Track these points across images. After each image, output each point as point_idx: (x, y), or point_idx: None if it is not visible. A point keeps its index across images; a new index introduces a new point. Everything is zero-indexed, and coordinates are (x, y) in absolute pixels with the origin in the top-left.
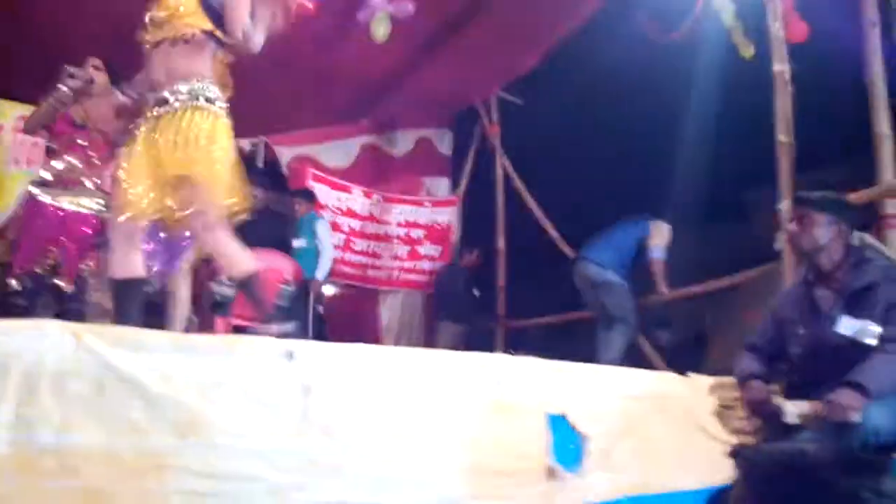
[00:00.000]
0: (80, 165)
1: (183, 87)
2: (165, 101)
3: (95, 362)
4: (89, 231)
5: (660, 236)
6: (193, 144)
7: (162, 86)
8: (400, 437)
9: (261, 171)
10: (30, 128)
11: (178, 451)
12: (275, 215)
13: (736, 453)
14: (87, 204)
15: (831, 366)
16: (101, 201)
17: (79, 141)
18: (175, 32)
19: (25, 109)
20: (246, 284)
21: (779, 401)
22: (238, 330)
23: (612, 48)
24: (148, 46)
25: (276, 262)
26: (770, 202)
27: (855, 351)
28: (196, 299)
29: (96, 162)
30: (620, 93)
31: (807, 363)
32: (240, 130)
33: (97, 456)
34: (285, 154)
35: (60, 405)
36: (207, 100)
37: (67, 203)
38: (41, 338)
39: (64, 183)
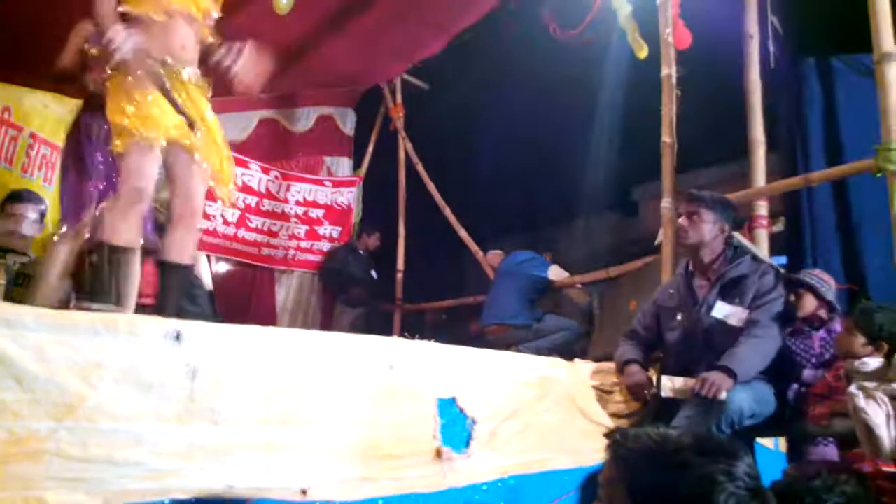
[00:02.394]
0: None
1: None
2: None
3: None
4: None
5: (558, 276)
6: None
7: (179, 54)
8: (291, 421)
9: None
10: None
11: (54, 435)
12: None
13: (608, 436)
14: None
15: (702, 350)
16: None
17: None
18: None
19: None
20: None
21: (659, 378)
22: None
23: (518, 40)
24: (162, 13)
25: None
26: (655, 198)
27: (724, 336)
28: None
29: None
30: (524, 84)
31: (681, 348)
32: None
33: None
34: None
35: None
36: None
37: None
38: None
39: None
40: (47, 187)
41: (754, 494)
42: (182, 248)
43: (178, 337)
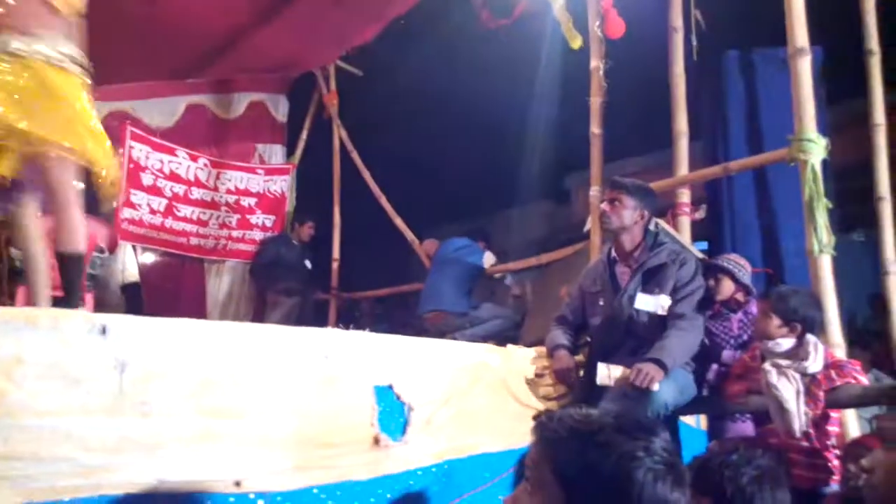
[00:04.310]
0: None
1: None
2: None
3: None
4: None
5: (490, 261)
6: None
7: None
8: (222, 414)
9: None
10: None
11: None
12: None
13: (536, 418)
14: None
15: (624, 336)
16: None
17: None
18: None
19: None
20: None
21: (588, 363)
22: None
23: (452, 27)
24: None
25: (89, 226)
26: (587, 187)
27: (645, 323)
28: None
29: None
30: (459, 72)
31: (603, 333)
32: None
33: None
34: (100, 109)
35: None
36: None
37: None
38: None
39: None
40: None
41: (670, 468)
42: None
43: (103, 331)
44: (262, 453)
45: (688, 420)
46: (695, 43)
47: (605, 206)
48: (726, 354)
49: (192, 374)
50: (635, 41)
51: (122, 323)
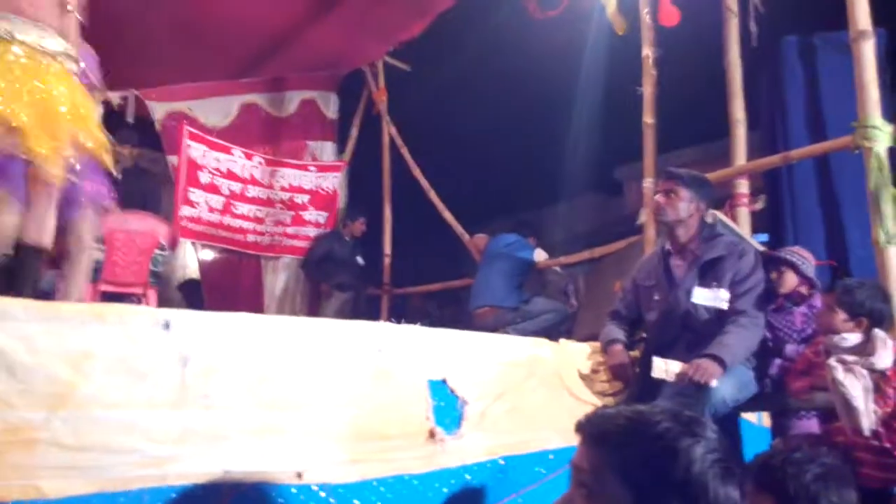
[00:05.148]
0: None
1: None
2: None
3: None
4: None
5: (541, 257)
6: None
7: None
8: (281, 406)
9: (130, 127)
10: None
11: (48, 425)
12: (143, 173)
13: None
14: None
15: (681, 330)
16: None
17: None
18: None
19: None
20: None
21: (643, 358)
22: (108, 297)
23: (499, 19)
24: None
25: (150, 225)
26: (640, 178)
27: (703, 318)
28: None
29: None
30: (506, 64)
31: (659, 327)
32: (108, 83)
33: None
34: (158, 110)
35: None
36: None
37: None
38: None
39: None
40: None
41: (728, 465)
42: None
43: (167, 326)
44: (321, 445)
45: (749, 417)
46: (752, 28)
47: (659, 197)
48: (789, 349)
49: (252, 368)
50: (688, 27)
51: (185, 318)
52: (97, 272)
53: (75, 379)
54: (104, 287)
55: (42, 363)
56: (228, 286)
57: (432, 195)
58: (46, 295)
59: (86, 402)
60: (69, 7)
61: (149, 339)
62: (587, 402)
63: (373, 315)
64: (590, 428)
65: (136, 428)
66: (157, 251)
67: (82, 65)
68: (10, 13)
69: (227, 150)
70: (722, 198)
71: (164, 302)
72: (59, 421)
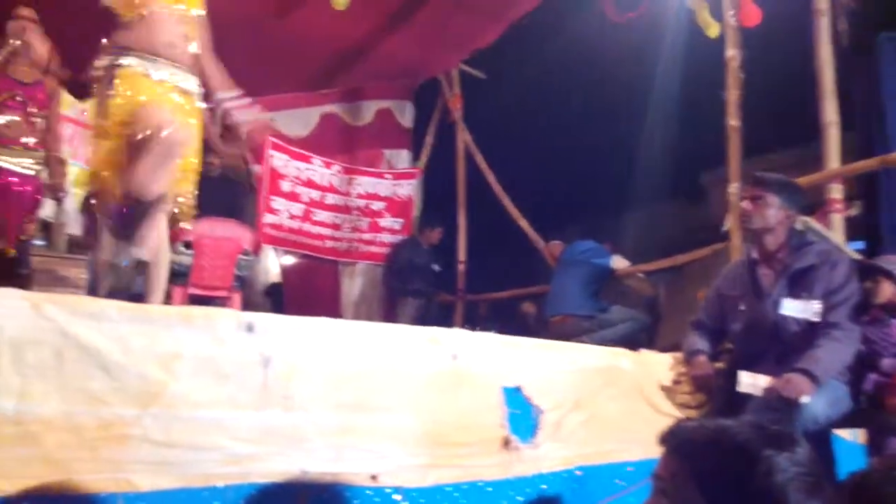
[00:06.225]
0: (20, 122)
1: None
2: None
3: (54, 331)
4: (31, 192)
5: (620, 265)
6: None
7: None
8: (359, 409)
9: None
10: None
11: (139, 421)
12: (229, 182)
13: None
14: (29, 164)
15: (769, 342)
16: (35, 161)
17: (19, 98)
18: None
19: None
20: None
21: (729, 369)
22: (196, 300)
23: (575, 25)
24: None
25: (235, 231)
26: (725, 184)
27: (793, 329)
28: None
29: (36, 120)
30: (582, 70)
31: (746, 339)
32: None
33: (57, 425)
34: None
35: (19, 373)
36: None
37: (9, 163)
38: None
39: (4, 141)
40: None
41: (816, 481)
42: None
43: (250, 328)
44: (396, 449)
45: (843, 434)
46: (842, 26)
47: (746, 204)
48: (886, 363)
49: (330, 371)
50: (773, 27)
51: (267, 321)
52: (186, 276)
53: (165, 378)
54: (192, 290)
55: (134, 363)
56: (307, 291)
57: (507, 202)
58: (139, 298)
59: (175, 401)
60: (197, 46)
61: (233, 341)
62: (668, 414)
63: (448, 322)
64: (671, 437)
65: (221, 426)
66: (241, 256)
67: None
68: (148, 53)
69: (307, 160)
70: (813, 204)
71: (247, 305)
72: (150, 418)
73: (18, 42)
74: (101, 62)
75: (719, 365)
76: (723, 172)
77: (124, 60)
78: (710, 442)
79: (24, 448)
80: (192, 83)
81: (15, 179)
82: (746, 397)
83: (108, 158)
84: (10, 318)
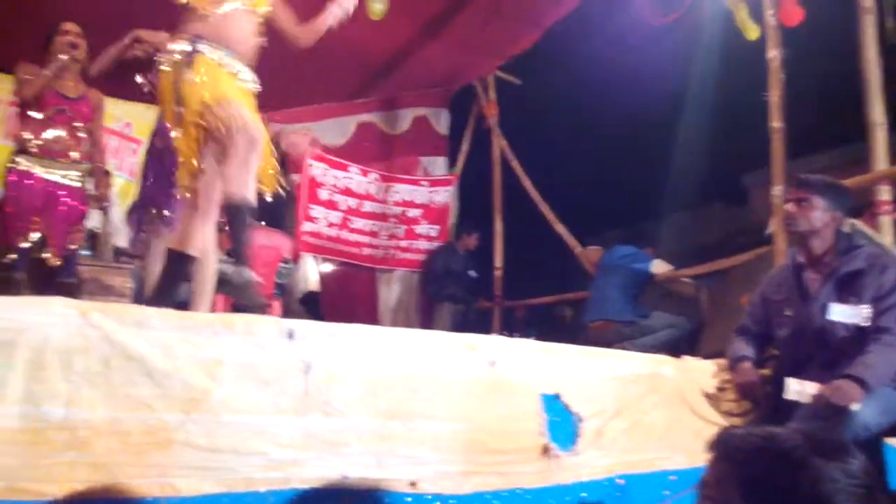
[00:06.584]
0: (66, 136)
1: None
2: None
3: (101, 339)
4: (77, 204)
5: (661, 269)
6: None
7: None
8: (397, 415)
9: None
10: (33, 95)
11: (183, 427)
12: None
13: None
14: (75, 177)
15: (815, 348)
16: (80, 173)
17: (66, 112)
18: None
19: None
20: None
21: (774, 376)
22: (238, 307)
23: (611, 28)
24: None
25: (275, 239)
26: (768, 186)
27: (841, 334)
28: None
29: (81, 134)
30: (619, 73)
31: (792, 345)
32: None
33: (104, 430)
34: (284, 130)
35: (68, 381)
36: None
37: (56, 175)
38: (47, 314)
39: (51, 154)
40: None
41: (869, 492)
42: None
43: (291, 335)
44: (434, 456)
45: (894, 443)
46: (889, 24)
47: (790, 206)
48: None
49: (369, 377)
50: (816, 26)
51: (307, 328)
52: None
53: (208, 384)
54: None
55: (178, 369)
56: (345, 298)
57: (543, 207)
58: (182, 305)
59: (217, 407)
60: (260, 42)
61: (274, 348)
62: (712, 422)
63: (485, 328)
64: (719, 443)
65: (263, 432)
66: (281, 264)
67: None
68: (223, 45)
69: (344, 168)
70: (860, 206)
71: (287, 312)
72: (193, 423)
73: (65, 57)
74: (176, 47)
75: (765, 372)
76: (766, 175)
77: (201, 47)
78: (758, 449)
79: (72, 453)
80: (255, 81)
81: (62, 192)
82: (793, 405)
83: (186, 149)
84: (58, 326)
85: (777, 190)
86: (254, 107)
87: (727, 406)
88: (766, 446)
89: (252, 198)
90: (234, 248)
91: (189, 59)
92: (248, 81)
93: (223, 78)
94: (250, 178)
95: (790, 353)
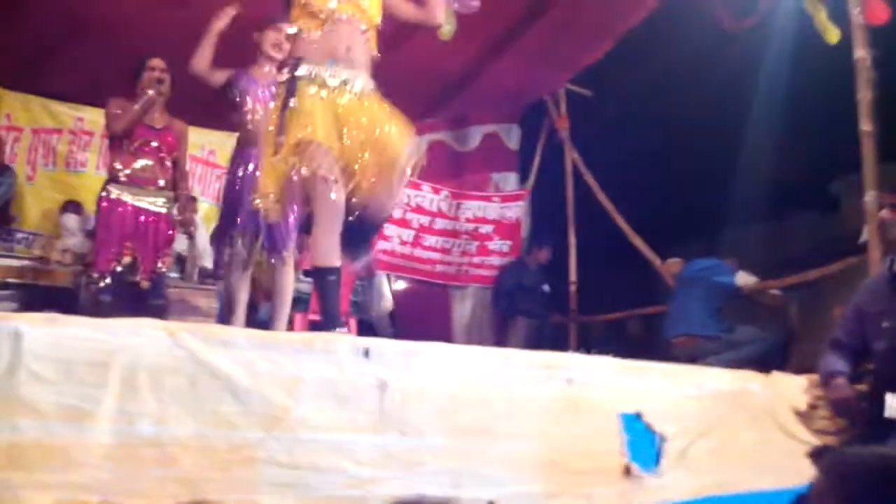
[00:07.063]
0: (153, 165)
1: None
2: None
3: (189, 358)
4: (165, 229)
5: (746, 282)
6: (386, 135)
7: (341, 60)
8: (474, 434)
9: None
10: (123, 129)
11: (265, 444)
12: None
13: (819, 455)
14: (162, 203)
15: None
16: (167, 200)
17: (153, 143)
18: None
19: None
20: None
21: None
22: (316, 325)
23: (684, 36)
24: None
25: None
26: (860, 192)
27: None
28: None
29: (168, 163)
30: (693, 81)
31: (891, 358)
32: None
33: (192, 447)
34: None
35: (158, 399)
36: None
37: (144, 202)
38: (138, 336)
39: (140, 182)
40: None
41: None
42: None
43: (366, 353)
44: (513, 476)
45: None
46: None
47: (886, 213)
48: None
49: (444, 395)
50: None
51: (383, 346)
52: (307, 303)
53: (288, 402)
54: (312, 316)
55: (260, 387)
56: (419, 315)
57: (619, 220)
58: (264, 324)
59: (297, 424)
60: (372, 47)
61: (351, 366)
62: (804, 441)
63: (560, 344)
64: (825, 463)
65: (341, 449)
66: (356, 282)
67: None
68: (328, 58)
69: (417, 187)
70: None
71: (363, 330)
72: (275, 441)
73: (152, 92)
74: (282, 77)
75: (860, 387)
76: (857, 180)
77: (300, 72)
78: (871, 470)
79: (161, 469)
80: (369, 84)
81: (151, 218)
82: (892, 423)
83: (277, 183)
84: (148, 346)
85: (870, 195)
86: (359, 123)
87: (820, 424)
88: (874, 465)
89: (337, 262)
90: (324, 310)
91: (289, 86)
92: (354, 88)
93: (318, 108)
94: (336, 241)
95: (888, 367)
